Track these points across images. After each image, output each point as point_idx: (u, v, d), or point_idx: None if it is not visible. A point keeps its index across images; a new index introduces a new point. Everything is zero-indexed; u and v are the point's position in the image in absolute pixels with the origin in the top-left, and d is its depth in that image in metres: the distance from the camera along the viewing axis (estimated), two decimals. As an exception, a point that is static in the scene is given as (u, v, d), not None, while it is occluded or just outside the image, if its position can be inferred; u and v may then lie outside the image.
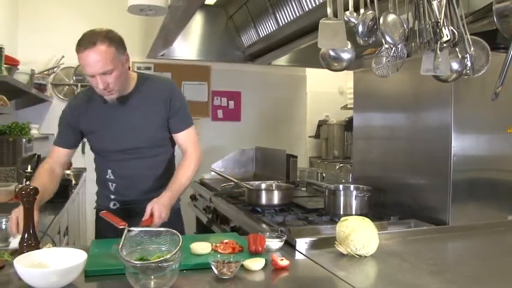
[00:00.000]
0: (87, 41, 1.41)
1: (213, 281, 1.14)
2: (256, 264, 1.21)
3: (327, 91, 4.74)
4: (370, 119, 2.17)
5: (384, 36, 1.26)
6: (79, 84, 3.54)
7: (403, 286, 1.15)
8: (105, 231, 1.52)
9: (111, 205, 1.67)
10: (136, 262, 1.03)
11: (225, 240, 1.37)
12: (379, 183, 2.02)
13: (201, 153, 1.69)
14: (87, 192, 3.41)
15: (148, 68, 3.72)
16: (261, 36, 2.89)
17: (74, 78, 3.57)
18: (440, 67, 1.32)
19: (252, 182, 2.23)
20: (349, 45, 1.33)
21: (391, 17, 1.30)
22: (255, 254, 1.31)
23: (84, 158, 3.59)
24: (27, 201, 1.23)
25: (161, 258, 1.02)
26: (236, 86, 4.07)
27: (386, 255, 1.38)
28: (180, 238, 1.11)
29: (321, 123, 4.77)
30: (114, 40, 1.46)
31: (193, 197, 2.99)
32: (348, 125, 4.85)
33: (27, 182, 1.29)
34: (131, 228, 1.16)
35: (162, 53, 3.33)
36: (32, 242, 1.23)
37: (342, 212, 1.87)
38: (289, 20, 2.49)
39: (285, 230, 1.58)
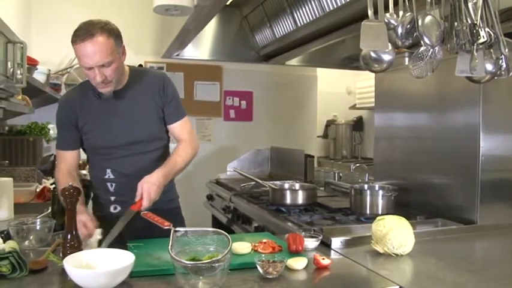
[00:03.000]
0: (85, 32, 1.37)
1: (259, 281, 1.15)
2: (299, 263, 1.23)
3: (334, 91, 4.75)
4: (392, 119, 2.19)
5: (422, 37, 1.28)
6: (92, 84, 3.53)
7: (448, 284, 1.16)
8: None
9: (111, 209, 1.62)
10: (187, 262, 1.03)
11: (264, 240, 1.38)
12: (402, 183, 2.03)
13: (198, 143, 1.66)
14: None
15: (161, 68, 3.73)
16: (277, 36, 2.90)
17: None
18: (476, 68, 1.33)
19: (275, 182, 2.23)
20: (390, 47, 1.34)
21: (429, 19, 1.31)
22: (295, 253, 1.32)
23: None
24: (70, 202, 1.23)
25: (214, 259, 1.03)
26: (248, 86, 4.08)
27: (421, 254, 1.40)
28: (229, 238, 1.12)
29: (329, 123, 4.79)
30: (113, 31, 1.43)
31: (209, 197, 3.00)
32: (356, 124, 4.88)
33: (70, 184, 1.28)
34: (178, 229, 1.16)
35: (177, 53, 3.33)
36: (74, 243, 1.23)
37: (368, 212, 1.89)
38: (308, 20, 2.50)
39: (317, 229, 1.59)
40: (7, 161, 2.26)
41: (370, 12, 1.29)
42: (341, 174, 2.81)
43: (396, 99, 2.14)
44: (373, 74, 3.92)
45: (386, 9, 1.32)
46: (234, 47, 3.39)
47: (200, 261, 1.05)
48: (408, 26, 1.32)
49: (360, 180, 2.77)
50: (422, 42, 1.30)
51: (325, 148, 4.94)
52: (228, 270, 1.06)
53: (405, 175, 2.08)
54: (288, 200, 2.07)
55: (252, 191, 2.55)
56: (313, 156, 2.80)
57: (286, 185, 2.22)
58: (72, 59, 3.50)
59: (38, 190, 2.38)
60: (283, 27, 2.80)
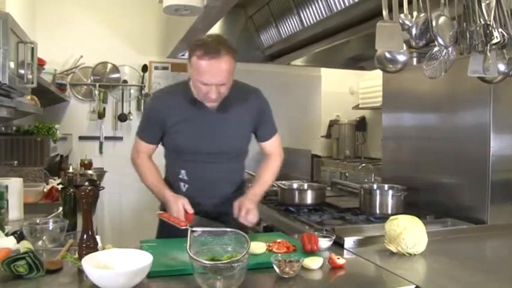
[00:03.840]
0: (213, 50, 1.37)
1: (275, 280, 1.15)
2: (315, 263, 1.23)
3: (337, 91, 4.75)
4: (401, 119, 2.19)
5: (436, 38, 1.28)
6: (97, 84, 3.54)
7: (463, 284, 1.17)
8: (168, 232, 1.50)
9: None
10: (207, 262, 1.04)
11: (278, 240, 1.39)
12: (411, 183, 2.04)
13: (283, 155, 1.73)
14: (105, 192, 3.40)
15: (166, 68, 3.73)
16: (283, 36, 2.90)
17: (92, 78, 3.56)
18: (490, 69, 1.34)
19: (284, 182, 2.24)
20: (405, 48, 1.35)
21: (442, 19, 1.32)
22: (310, 253, 1.32)
23: (102, 158, 3.60)
24: (86, 202, 1.22)
25: (233, 259, 1.03)
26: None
27: (434, 254, 1.40)
28: (247, 238, 1.12)
29: (332, 123, 4.79)
30: (234, 52, 1.44)
31: (215, 197, 2.99)
32: (359, 124, 4.89)
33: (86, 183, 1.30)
34: (194, 229, 1.16)
35: (182, 53, 3.33)
36: (90, 243, 1.23)
37: (377, 212, 1.89)
38: (315, 20, 2.50)
39: (329, 229, 1.59)
40: (16, 161, 2.26)
41: (384, 13, 1.29)
42: (347, 174, 2.81)
43: (404, 99, 2.15)
44: (376, 74, 3.97)
45: (400, 8, 1.32)
46: (238, 47, 3.36)
47: (220, 261, 1.05)
48: (422, 26, 1.32)
49: (366, 180, 2.78)
50: (436, 42, 1.31)
51: (328, 148, 4.94)
52: (246, 270, 1.06)
53: (413, 175, 2.09)
54: (297, 200, 2.08)
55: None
56: (319, 156, 2.81)
57: (295, 185, 2.22)
58: (78, 59, 3.50)
59: (45, 190, 2.37)
60: (290, 27, 2.80)
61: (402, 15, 1.33)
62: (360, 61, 3.60)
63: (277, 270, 1.16)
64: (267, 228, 2.08)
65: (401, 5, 1.31)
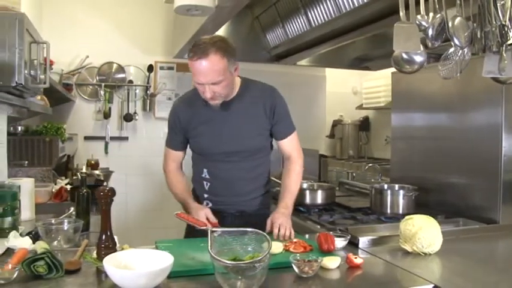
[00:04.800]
0: (200, 50, 1.41)
1: (295, 280, 1.16)
2: (333, 262, 1.23)
3: (340, 91, 4.76)
4: (410, 119, 2.20)
5: (452, 39, 1.29)
6: (102, 84, 3.53)
7: (480, 283, 1.17)
8: (200, 231, 1.47)
9: (203, 204, 1.68)
10: (229, 262, 1.04)
11: (294, 240, 1.39)
12: (420, 183, 2.05)
13: (303, 155, 1.73)
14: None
15: (171, 68, 3.72)
16: (290, 36, 2.90)
17: (98, 78, 3.56)
18: (505, 69, 1.34)
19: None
20: (422, 48, 1.35)
21: (458, 20, 1.32)
22: (326, 252, 1.33)
23: (107, 158, 3.60)
24: (105, 203, 1.23)
25: (256, 258, 1.03)
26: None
27: (448, 253, 1.41)
28: (268, 238, 1.12)
29: (336, 123, 4.80)
30: (227, 51, 1.45)
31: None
32: (362, 124, 4.90)
33: (105, 184, 1.29)
34: (214, 229, 1.17)
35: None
36: (109, 243, 1.23)
37: (389, 211, 1.90)
38: (323, 21, 2.50)
39: (342, 228, 1.60)
40: (26, 161, 2.26)
41: (401, 14, 1.30)
42: (354, 174, 2.82)
43: (414, 99, 2.16)
44: (379, 75, 3.98)
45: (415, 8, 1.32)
46: (244, 47, 3.38)
47: (242, 261, 1.05)
48: (438, 27, 1.33)
49: (372, 180, 2.79)
50: (452, 43, 1.31)
51: (332, 148, 4.94)
52: (267, 270, 1.07)
53: (423, 175, 2.09)
54: (308, 200, 2.08)
55: (267, 190, 2.55)
56: (327, 156, 2.81)
57: (305, 185, 2.22)
58: (83, 59, 3.50)
59: (53, 190, 2.37)
60: (297, 27, 2.80)
61: (419, 16, 1.33)
62: (365, 61, 3.61)
63: (296, 270, 1.17)
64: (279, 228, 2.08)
65: (417, 3, 1.31)
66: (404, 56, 1.39)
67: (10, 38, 1.39)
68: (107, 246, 1.22)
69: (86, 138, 3.59)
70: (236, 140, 1.60)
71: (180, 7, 1.93)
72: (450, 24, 1.30)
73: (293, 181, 1.64)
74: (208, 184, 1.67)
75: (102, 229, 1.24)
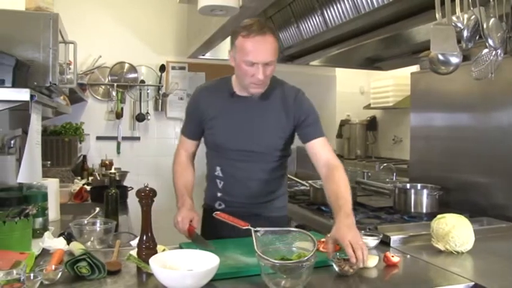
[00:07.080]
0: (260, 28, 1.39)
1: (335, 279, 1.16)
2: (371, 261, 1.24)
3: (347, 91, 4.77)
4: (430, 119, 2.21)
5: (487, 40, 1.30)
6: (115, 84, 3.53)
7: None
8: (214, 231, 1.51)
9: (216, 205, 1.63)
10: (277, 261, 1.05)
11: (322, 239, 1.39)
12: (441, 182, 2.06)
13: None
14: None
15: (183, 68, 3.73)
16: (305, 37, 2.90)
17: (110, 78, 3.55)
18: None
19: (316, 181, 2.25)
20: (458, 50, 1.36)
21: (492, 21, 1.34)
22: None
23: (119, 158, 3.60)
24: (145, 204, 1.23)
25: (303, 258, 1.04)
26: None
27: (480, 252, 1.42)
28: (313, 238, 1.13)
29: (343, 123, 4.81)
30: (276, 34, 1.46)
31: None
32: (370, 124, 4.92)
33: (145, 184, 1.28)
34: (257, 229, 1.17)
35: (203, 54, 3.34)
36: (150, 244, 1.23)
37: (412, 211, 1.91)
38: (340, 21, 2.51)
39: (371, 227, 1.61)
40: (49, 162, 2.26)
41: (438, 16, 1.31)
42: (369, 174, 2.83)
43: (434, 99, 2.17)
44: (387, 74, 3.99)
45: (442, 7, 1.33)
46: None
47: (289, 260, 1.06)
48: (473, 28, 1.34)
49: (387, 180, 2.80)
50: (487, 44, 1.32)
51: (339, 147, 4.96)
52: (312, 270, 1.08)
53: (443, 174, 2.11)
54: (330, 200, 2.08)
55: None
56: (342, 156, 2.82)
57: (326, 185, 2.23)
58: (96, 59, 3.49)
59: (72, 191, 2.37)
60: (312, 27, 2.80)
61: (454, 18, 1.35)
62: (376, 61, 3.62)
63: (336, 268, 1.18)
64: (298, 228, 2.09)
65: (453, 0, 1.31)
66: (441, 57, 1.40)
67: (45, 39, 1.40)
68: (148, 247, 1.22)
69: (98, 138, 3.58)
70: (255, 139, 1.53)
71: (204, 7, 1.93)
72: (485, 25, 1.31)
73: (344, 188, 1.40)
74: (222, 183, 1.60)
75: (142, 229, 1.24)
